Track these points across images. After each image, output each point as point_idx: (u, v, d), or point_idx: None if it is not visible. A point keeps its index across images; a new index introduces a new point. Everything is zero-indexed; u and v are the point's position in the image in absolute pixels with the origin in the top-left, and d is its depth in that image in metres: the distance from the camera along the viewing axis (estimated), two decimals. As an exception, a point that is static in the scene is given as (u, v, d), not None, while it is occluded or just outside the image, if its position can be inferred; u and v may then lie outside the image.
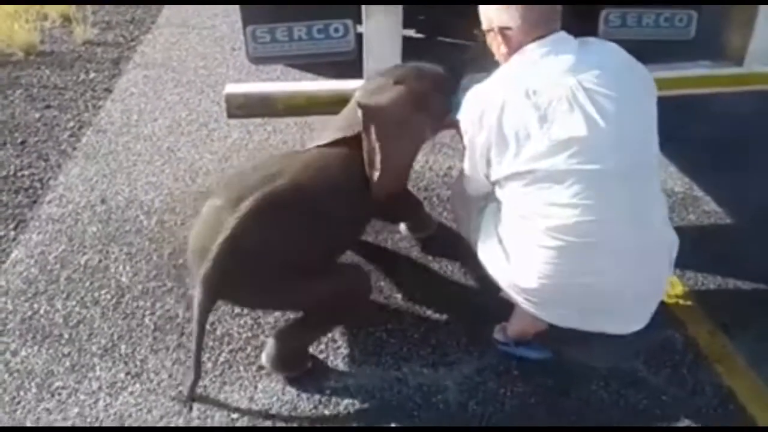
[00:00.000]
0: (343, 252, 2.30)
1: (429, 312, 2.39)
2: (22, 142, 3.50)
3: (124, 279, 2.55)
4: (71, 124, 3.72)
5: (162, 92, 4.03)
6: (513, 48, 1.85)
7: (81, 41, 4.77)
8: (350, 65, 2.73)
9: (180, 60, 4.49)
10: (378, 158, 2.11)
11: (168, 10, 5.47)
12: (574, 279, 1.77)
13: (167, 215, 2.90)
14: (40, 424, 2.02)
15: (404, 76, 2.29)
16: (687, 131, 3.23)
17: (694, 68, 2.79)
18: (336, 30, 3.69)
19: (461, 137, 2.42)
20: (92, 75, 4.32)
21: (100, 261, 2.65)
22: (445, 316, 2.36)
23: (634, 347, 2.19)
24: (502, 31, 1.85)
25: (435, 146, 3.31)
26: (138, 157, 3.35)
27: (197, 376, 1.96)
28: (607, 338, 1.97)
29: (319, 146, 2.24)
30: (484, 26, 1.92)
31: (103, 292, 2.49)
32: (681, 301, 2.41)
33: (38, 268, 2.60)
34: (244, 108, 2.67)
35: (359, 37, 3.68)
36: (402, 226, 2.73)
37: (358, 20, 3.71)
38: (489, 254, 1.98)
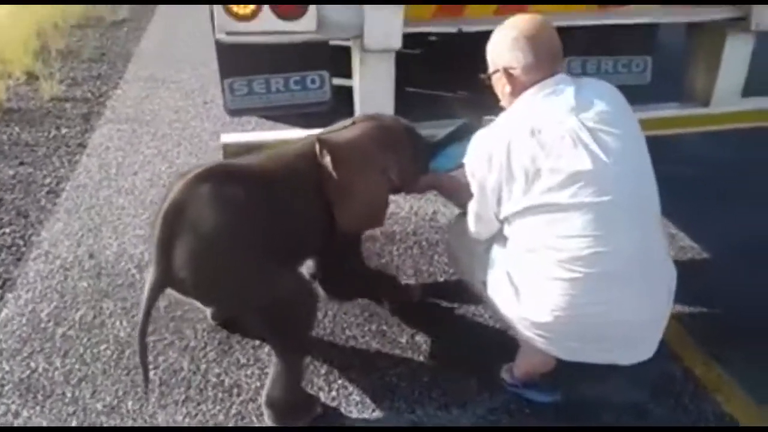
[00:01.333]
0: (295, 257, 2.24)
1: (436, 354, 2.41)
2: (-1, 200, 3.44)
3: (122, 334, 2.51)
4: (48, 180, 3.67)
5: (138, 146, 4.02)
6: (517, 88, 1.94)
7: (48, 97, 4.74)
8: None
9: (153, 114, 4.50)
10: (338, 190, 2.13)
11: (134, 65, 5.51)
12: (588, 309, 1.83)
13: (159, 268, 2.87)
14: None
15: (365, 119, 2.35)
16: (657, 171, 3.38)
17: (664, 109, 2.96)
18: (312, 81, 3.80)
19: (444, 194, 2.52)
20: (64, 131, 4.29)
21: (95, 317, 2.60)
22: (452, 357, 2.39)
23: (641, 379, 2.26)
24: (507, 71, 1.94)
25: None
26: (122, 211, 3.32)
27: (144, 367, 1.96)
28: (615, 371, 2.03)
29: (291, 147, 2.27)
30: (490, 68, 2.01)
31: (102, 348, 2.44)
32: (673, 334, 2.50)
33: (31, 327, 2.54)
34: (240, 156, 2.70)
35: (335, 88, 3.79)
36: (380, 310, 2.60)
37: (334, 72, 3.82)
38: (498, 292, 2.03)
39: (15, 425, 2.14)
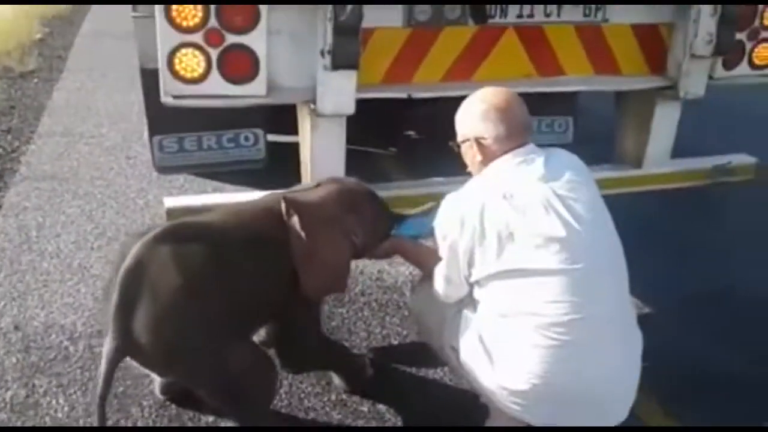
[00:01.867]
0: (255, 321, 2.17)
1: (400, 422, 2.37)
2: None
3: (59, 414, 2.33)
4: (-40, 243, 3.42)
5: (60, 205, 3.83)
6: (487, 157, 1.99)
7: (-44, 154, 4.45)
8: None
9: (72, 171, 4.30)
10: (303, 251, 2.10)
11: (47, 118, 5.28)
12: (566, 377, 1.85)
13: (94, 339, 2.70)
14: None
15: (329, 181, 2.34)
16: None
17: (598, 171, 3.08)
18: (246, 139, 3.76)
19: (409, 258, 2.50)
20: (-26, 189, 4.02)
21: (27, 395, 2.41)
22: (417, 423, 2.35)
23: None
24: (478, 141, 1.98)
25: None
26: (48, 277, 3.13)
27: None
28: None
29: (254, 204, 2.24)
30: (459, 138, 2.05)
31: None
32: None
33: (-45, 410, 2.32)
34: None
35: (269, 145, 3.75)
36: (336, 381, 2.51)
37: (268, 129, 3.79)
38: (470, 358, 2.02)
39: None
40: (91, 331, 2.75)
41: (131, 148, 4.66)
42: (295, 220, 2.07)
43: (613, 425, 1.97)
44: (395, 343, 2.76)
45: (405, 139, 4.80)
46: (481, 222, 1.88)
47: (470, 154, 2.03)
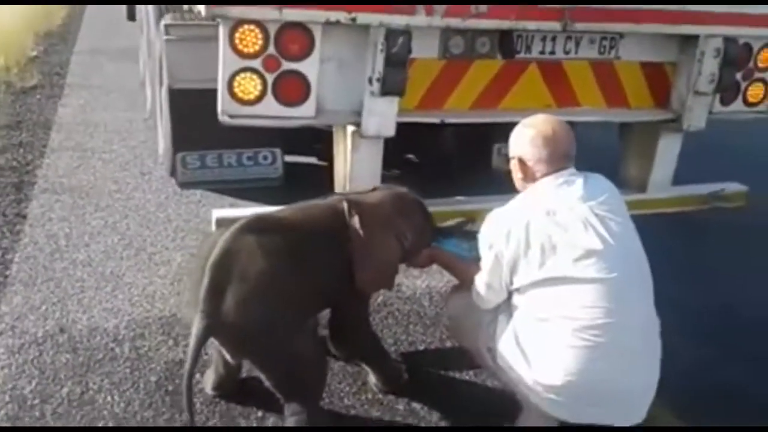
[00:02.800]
0: (316, 309, 2.42)
1: (435, 419, 2.54)
2: (-57, 273, 3.27)
3: (117, 409, 2.47)
4: (-9, 250, 3.53)
5: (83, 217, 3.96)
6: (527, 176, 2.23)
7: (-29, 166, 4.55)
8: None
9: (90, 184, 4.43)
10: (361, 250, 2.31)
11: (57, 133, 5.39)
12: (599, 376, 2.06)
13: (138, 341, 2.85)
14: None
15: (385, 187, 2.58)
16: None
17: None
18: (265, 157, 3.95)
19: (446, 267, 2.70)
20: (-4, 200, 4.13)
21: (82, 392, 2.54)
22: (450, 422, 2.53)
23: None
24: (521, 160, 2.23)
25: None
26: (83, 284, 3.26)
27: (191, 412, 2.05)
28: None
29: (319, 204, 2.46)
30: (510, 153, 2.29)
31: (100, 424, 2.40)
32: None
33: (17, 405, 2.44)
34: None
35: (286, 164, 3.93)
36: (372, 381, 2.67)
37: (286, 149, 3.99)
38: (507, 358, 2.23)
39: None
40: (133, 335, 2.89)
41: (144, 164, 4.81)
42: (355, 219, 2.28)
43: (634, 423, 2.19)
44: (422, 348, 2.96)
45: (407, 162, 5.03)
46: (526, 234, 2.11)
47: (514, 171, 2.28)
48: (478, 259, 2.31)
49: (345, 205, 2.31)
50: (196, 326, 2.02)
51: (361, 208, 2.32)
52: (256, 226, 2.16)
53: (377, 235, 2.32)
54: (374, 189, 2.52)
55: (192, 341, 2.03)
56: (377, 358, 2.65)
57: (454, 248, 2.55)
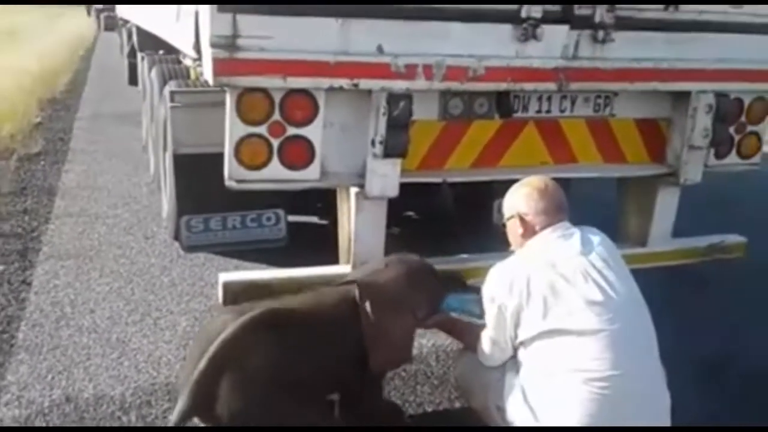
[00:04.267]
0: (327, 392, 2.39)
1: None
2: (-51, 343, 3.27)
3: (124, 480, 2.45)
4: (-3, 319, 3.54)
5: (89, 283, 3.97)
6: (528, 231, 2.29)
7: (-24, 234, 4.59)
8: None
9: (95, 250, 4.46)
10: (374, 333, 2.33)
11: (61, 200, 5.45)
12: (606, 423, 2.06)
13: (145, 409, 2.83)
14: None
15: (396, 261, 2.59)
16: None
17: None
18: (268, 219, 4.00)
19: (453, 333, 2.72)
20: (1, 267, 4.16)
21: (90, 463, 2.52)
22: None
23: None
24: (521, 216, 2.29)
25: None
26: (89, 351, 3.25)
27: None
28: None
29: (332, 286, 2.48)
30: (506, 216, 2.35)
31: (108, 495, 2.37)
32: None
33: (24, 477, 2.43)
34: (240, 295, 2.80)
35: (289, 224, 3.97)
36: None
37: (289, 210, 4.03)
38: (516, 415, 2.23)
39: None
40: (140, 402, 2.87)
41: (148, 228, 4.85)
42: (367, 305, 2.31)
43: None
44: (430, 410, 2.94)
45: (406, 220, 5.09)
46: (528, 286, 2.14)
47: (513, 229, 2.33)
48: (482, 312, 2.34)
49: (356, 290, 2.34)
50: (180, 405, 2.01)
51: (372, 290, 2.35)
52: (267, 319, 2.15)
53: (389, 319, 2.34)
54: (386, 265, 2.53)
55: (174, 417, 2.02)
56: (393, 420, 2.65)
57: (459, 304, 2.57)
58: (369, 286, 2.35)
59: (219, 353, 2.03)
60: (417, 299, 2.47)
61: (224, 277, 2.82)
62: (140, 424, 2.74)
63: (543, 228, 2.27)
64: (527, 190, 2.32)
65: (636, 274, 3.53)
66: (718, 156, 3.17)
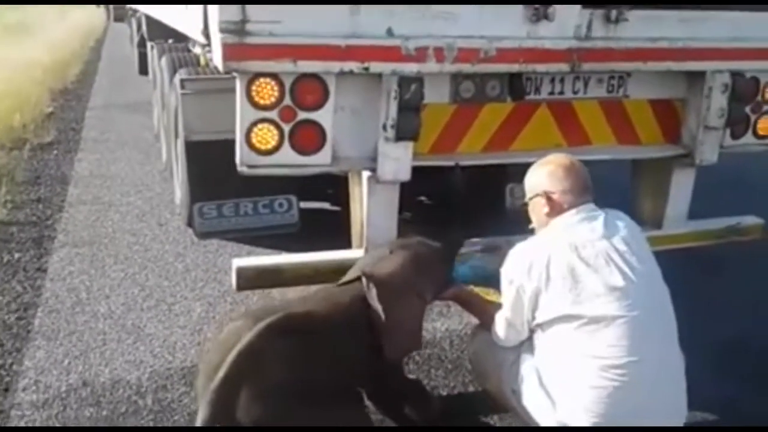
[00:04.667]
0: (351, 390, 2.36)
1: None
2: (-34, 331, 3.31)
3: (141, 463, 2.47)
4: (13, 306, 3.57)
5: (103, 269, 4.00)
6: (554, 210, 2.25)
7: (-8, 222, 4.62)
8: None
9: (109, 237, 4.49)
10: (385, 322, 2.33)
11: (74, 188, 5.48)
12: (624, 416, 2.05)
13: (161, 393, 2.85)
14: None
15: (403, 246, 2.59)
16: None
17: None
18: (281, 205, 4.00)
19: (466, 306, 2.72)
20: (17, 255, 4.20)
21: (108, 446, 2.55)
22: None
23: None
24: (547, 194, 2.25)
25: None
26: (105, 336, 3.28)
27: None
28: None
29: (340, 284, 2.47)
30: (528, 195, 2.32)
31: (125, 478, 2.40)
32: None
33: (42, 461, 2.45)
34: (254, 280, 2.81)
35: (301, 210, 3.97)
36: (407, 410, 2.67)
37: (301, 196, 4.02)
38: (531, 399, 2.23)
39: None
40: (156, 386, 2.89)
41: (161, 215, 4.87)
42: (373, 294, 2.30)
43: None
44: (444, 394, 2.94)
45: (419, 204, 5.07)
46: (547, 269, 2.12)
47: (538, 208, 2.29)
48: (495, 275, 2.34)
49: (364, 281, 2.33)
50: (202, 414, 1.98)
51: (377, 280, 2.33)
52: (282, 325, 2.13)
53: (397, 306, 2.33)
54: (390, 251, 2.51)
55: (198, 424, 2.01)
56: (418, 397, 2.68)
57: (473, 273, 2.57)
58: (374, 276, 2.34)
59: (236, 363, 2.00)
60: (422, 283, 2.46)
61: (237, 262, 2.83)
62: (156, 408, 2.76)
63: (570, 207, 2.23)
64: (551, 168, 2.28)
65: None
66: (734, 136, 3.12)
